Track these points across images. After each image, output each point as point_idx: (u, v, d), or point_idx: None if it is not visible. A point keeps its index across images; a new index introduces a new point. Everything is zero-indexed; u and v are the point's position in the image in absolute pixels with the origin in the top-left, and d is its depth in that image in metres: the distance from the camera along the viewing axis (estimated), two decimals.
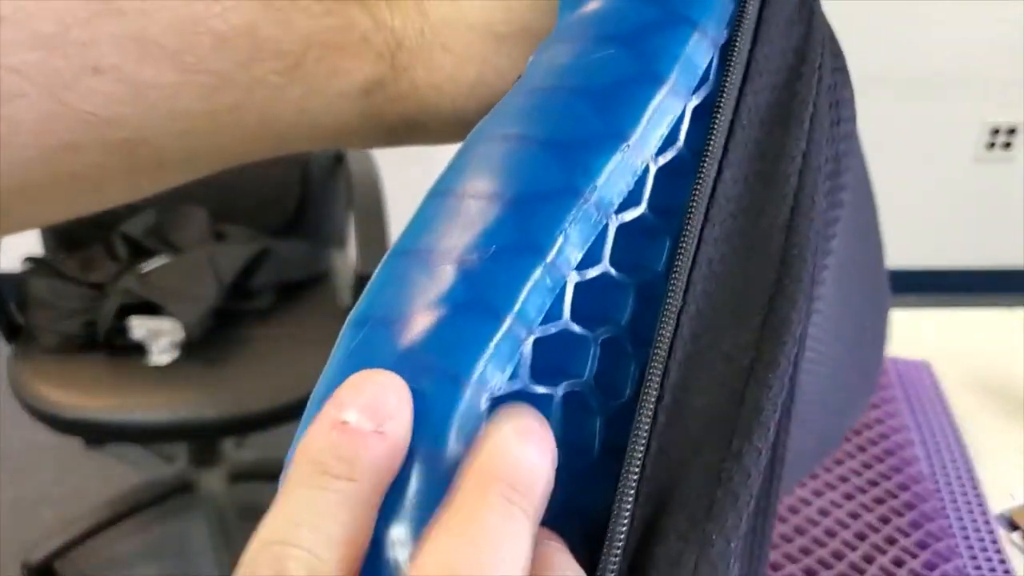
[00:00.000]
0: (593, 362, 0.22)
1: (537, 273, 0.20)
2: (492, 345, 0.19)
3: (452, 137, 0.30)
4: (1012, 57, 1.78)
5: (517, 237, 0.21)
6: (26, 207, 0.28)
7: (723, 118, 0.23)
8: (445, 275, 0.20)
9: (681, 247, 0.22)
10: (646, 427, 0.20)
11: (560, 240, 0.21)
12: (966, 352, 0.66)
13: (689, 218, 0.22)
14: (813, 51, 0.24)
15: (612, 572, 0.19)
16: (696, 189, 0.22)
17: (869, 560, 0.49)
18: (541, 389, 0.21)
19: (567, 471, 0.20)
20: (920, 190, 1.95)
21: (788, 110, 0.23)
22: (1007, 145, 1.92)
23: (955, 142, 1.92)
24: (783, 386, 0.21)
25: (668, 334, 0.21)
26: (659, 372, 0.21)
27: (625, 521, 0.19)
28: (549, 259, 0.21)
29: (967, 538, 0.52)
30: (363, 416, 0.18)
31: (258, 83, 0.28)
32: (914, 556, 0.49)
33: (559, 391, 0.21)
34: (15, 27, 0.25)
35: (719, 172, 0.22)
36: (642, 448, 0.20)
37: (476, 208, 0.21)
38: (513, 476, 0.18)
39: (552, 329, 0.21)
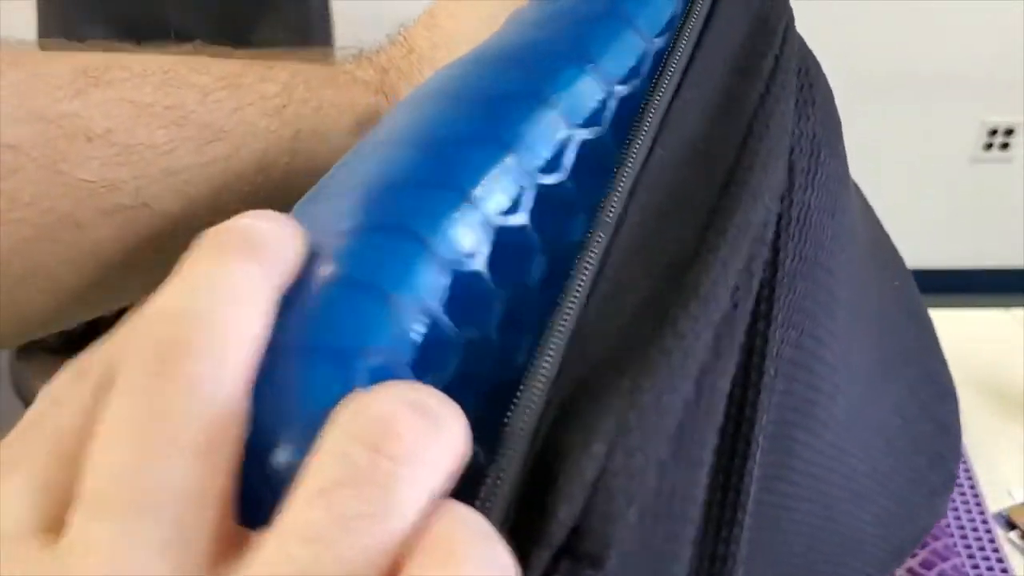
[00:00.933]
0: (537, 270, 0.22)
1: (503, 162, 0.21)
2: (455, 214, 0.20)
3: None
4: (1010, 57, 1.78)
5: (480, 128, 0.22)
6: (31, 298, 0.28)
7: (679, 55, 0.25)
8: (407, 153, 0.21)
9: (632, 153, 0.23)
10: (580, 285, 0.20)
11: (524, 137, 0.22)
12: (963, 352, 0.66)
13: (639, 122, 0.23)
14: (777, 18, 0.27)
15: (530, 408, 0.19)
16: (653, 101, 0.24)
17: None
18: (475, 268, 0.20)
19: (501, 359, 0.20)
20: (917, 190, 1.96)
21: (749, 62, 0.26)
22: (1005, 146, 1.92)
23: (952, 142, 1.93)
24: (726, 272, 0.22)
25: (613, 215, 0.22)
26: (600, 247, 0.21)
27: (548, 360, 0.19)
28: (512, 151, 0.21)
29: (965, 537, 0.52)
30: None
31: (249, 130, 0.29)
32: (912, 555, 0.50)
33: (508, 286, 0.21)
34: (7, 103, 0.25)
35: (677, 92, 0.24)
36: (573, 302, 0.20)
37: (439, 106, 0.22)
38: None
39: (513, 222, 0.21)
